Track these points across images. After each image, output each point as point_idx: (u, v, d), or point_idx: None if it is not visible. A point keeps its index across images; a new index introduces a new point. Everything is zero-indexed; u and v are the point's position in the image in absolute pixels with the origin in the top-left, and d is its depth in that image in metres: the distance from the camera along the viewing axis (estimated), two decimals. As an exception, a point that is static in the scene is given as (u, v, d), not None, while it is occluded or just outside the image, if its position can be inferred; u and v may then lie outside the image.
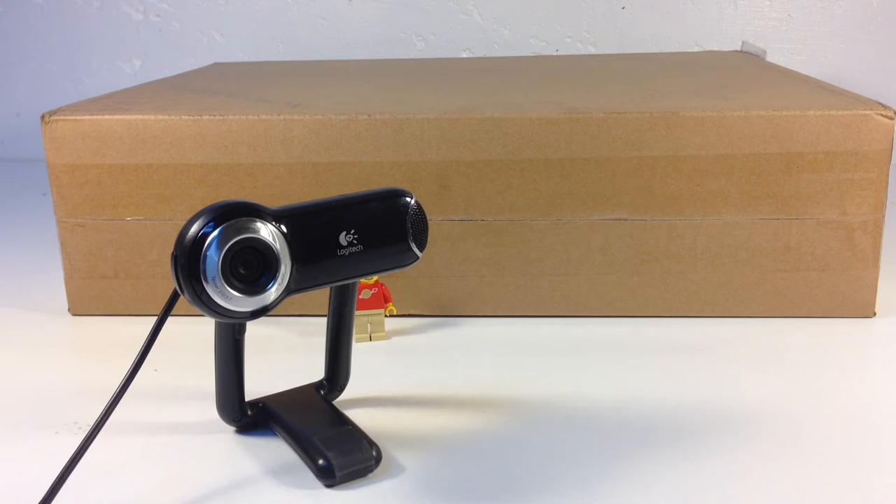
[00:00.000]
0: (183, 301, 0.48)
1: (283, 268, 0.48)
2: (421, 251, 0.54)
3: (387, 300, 0.74)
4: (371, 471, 0.53)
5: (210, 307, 0.47)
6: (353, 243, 0.51)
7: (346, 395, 0.62)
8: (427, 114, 0.74)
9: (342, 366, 0.60)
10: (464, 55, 1.41)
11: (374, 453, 0.53)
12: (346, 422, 0.56)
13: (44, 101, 1.41)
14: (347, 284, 0.57)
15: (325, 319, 0.59)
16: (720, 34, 1.38)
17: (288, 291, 0.49)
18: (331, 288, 0.57)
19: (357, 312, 0.72)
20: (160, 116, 0.76)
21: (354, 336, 0.72)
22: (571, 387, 0.65)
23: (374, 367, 0.69)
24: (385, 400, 0.63)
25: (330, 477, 0.52)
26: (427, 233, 0.55)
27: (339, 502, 0.51)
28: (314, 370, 0.63)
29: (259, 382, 0.60)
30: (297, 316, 0.78)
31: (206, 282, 0.46)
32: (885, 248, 0.76)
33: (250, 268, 0.48)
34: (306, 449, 0.54)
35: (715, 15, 1.37)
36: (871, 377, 0.68)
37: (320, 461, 0.52)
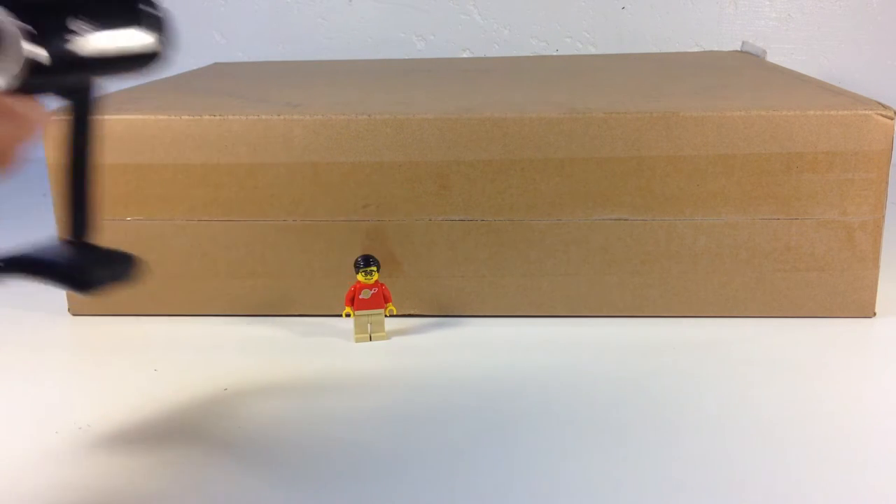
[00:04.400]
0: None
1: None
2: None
3: (387, 300, 0.74)
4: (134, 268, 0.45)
5: None
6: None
7: (343, 396, 0.62)
8: (427, 114, 0.74)
9: (86, 218, 0.48)
10: (464, 55, 1.41)
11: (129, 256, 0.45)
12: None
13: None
14: (86, 105, 0.49)
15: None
16: (720, 34, 1.38)
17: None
18: (69, 119, 0.49)
19: (357, 312, 0.72)
20: (160, 116, 0.76)
21: (354, 336, 0.72)
22: (572, 387, 0.65)
23: (374, 367, 0.69)
24: (384, 400, 0.63)
25: (86, 282, 0.43)
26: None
27: (340, 501, 0.51)
28: (314, 370, 0.63)
29: (259, 382, 0.60)
30: (298, 316, 0.78)
31: None
32: (885, 248, 0.76)
33: None
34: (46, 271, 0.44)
35: (715, 15, 1.37)
36: (871, 377, 0.68)
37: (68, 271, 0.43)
